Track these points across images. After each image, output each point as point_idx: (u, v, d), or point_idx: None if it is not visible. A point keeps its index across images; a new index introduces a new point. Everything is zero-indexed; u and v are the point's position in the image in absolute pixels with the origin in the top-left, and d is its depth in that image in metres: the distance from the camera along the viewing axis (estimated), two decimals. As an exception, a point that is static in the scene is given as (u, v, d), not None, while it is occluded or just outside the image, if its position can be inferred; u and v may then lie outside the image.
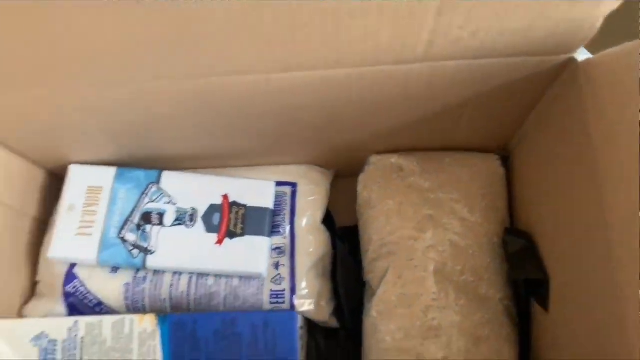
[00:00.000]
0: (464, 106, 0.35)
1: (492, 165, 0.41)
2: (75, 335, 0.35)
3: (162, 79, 0.31)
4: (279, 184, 0.44)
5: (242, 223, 0.40)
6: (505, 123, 0.38)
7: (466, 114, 0.36)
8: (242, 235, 0.40)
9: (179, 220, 0.40)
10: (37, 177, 0.43)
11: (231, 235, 0.40)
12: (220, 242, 0.40)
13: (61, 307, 0.40)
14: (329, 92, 0.32)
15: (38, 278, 0.42)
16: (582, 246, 0.31)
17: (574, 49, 0.29)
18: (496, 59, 0.30)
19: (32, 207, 0.42)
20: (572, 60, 0.30)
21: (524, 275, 0.36)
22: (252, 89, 0.32)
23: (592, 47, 0.30)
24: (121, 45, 0.27)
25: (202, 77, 0.31)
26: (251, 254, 0.40)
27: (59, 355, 0.35)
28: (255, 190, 0.42)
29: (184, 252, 0.39)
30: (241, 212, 0.41)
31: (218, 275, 0.40)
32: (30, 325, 0.36)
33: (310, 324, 0.42)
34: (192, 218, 0.40)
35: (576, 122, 0.31)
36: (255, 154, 0.43)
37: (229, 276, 0.40)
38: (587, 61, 0.30)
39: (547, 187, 0.36)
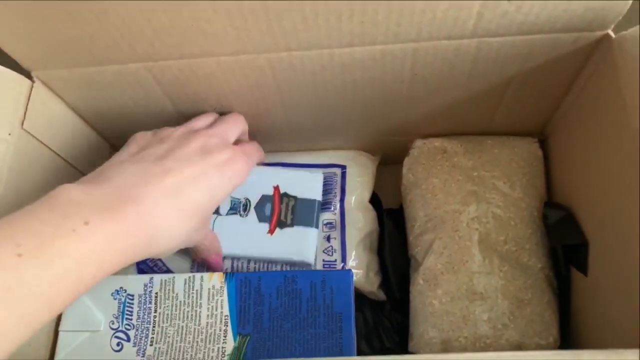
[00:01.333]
0: (505, 85, 0.39)
1: (531, 147, 0.44)
2: (150, 291, 0.39)
3: (239, 54, 0.35)
4: (329, 165, 0.47)
5: (292, 214, 0.43)
6: (544, 103, 0.41)
7: (508, 93, 0.40)
8: (291, 225, 0.43)
9: (233, 210, 0.43)
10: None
11: (281, 225, 0.43)
12: (271, 232, 0.42)
13: (133, 272, 0.43)
14: (385, 68, 0.36)
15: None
16: (619, 212, 0.34)
17: (608, 24, 0.33)
18: (537, 35, 0.34)
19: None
20: (607, 37, 0.34)
21: (564, 241, 0.39)
22: (316, 64, 0.36)
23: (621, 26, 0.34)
24: (204, 21, 0.32)
25: (274, 52, 0.35)
26: (300, 244, 0.42)
27: (135, 308, 0.39)
28: (305, 182, 0.44)
29: (239, 240, 0.42)
30: (291, 203, 0.43)
31: (272, 262, 0.43)
32: (111, 281, 0.39)
33: (357, 298, 0.45)
34: (246, 208, 0.43)
35: (612, 96, 0.34)
36: (308, 136, 0.47)
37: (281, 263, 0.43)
38: (621, 36, 0.33)
39: (585, 160, 0.39)
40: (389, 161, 0.50)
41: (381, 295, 0.45)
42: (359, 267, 0.44)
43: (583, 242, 0.37)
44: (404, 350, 0.43)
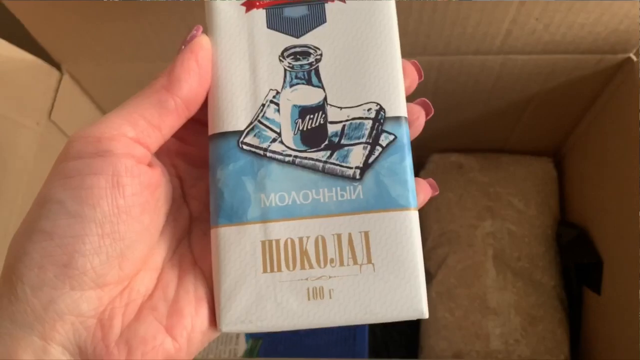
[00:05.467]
0: (526, 103, 0.39)
1: (546, 166, 0.45)
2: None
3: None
4: (345, 175, 0.48)
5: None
6: (562, 123, 0.42)
7: (527, 111, 0.40)
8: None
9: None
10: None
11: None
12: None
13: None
14: (410, 80, 0.37)
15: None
16: (632, 232, 0.34)
17: (631, 48, 0.34)
18: (561, 55, 0.34)
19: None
20: (629, 60, 0.35)
21: (578, 260, 0.39)
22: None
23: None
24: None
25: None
26: None
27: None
28: None
29: None
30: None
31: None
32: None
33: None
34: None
35: (631, 119, 0.35)
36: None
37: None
38: (643, 60, 0.34)
39: (600, 181, 0.39)
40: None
41: (391, 307, 0.45)
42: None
43: (597, 262, 0.38)
44: (412, 363, 0.43)
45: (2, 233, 0.32)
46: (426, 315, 0.18)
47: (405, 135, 0.20)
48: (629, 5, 0.30)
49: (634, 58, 0.34)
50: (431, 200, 0.45)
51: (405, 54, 0.35)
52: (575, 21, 0.31)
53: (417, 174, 0.47)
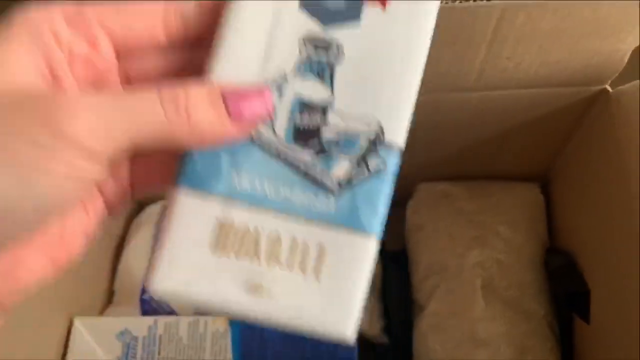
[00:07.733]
0: (507, 134, 0.40)
1: (533, 192, 0.45)
2: (155, 333, 0.39)
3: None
4: (334, 208, 0.48)
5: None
6: (545, 151, 0.42)
7: (509, 141, 0.41)
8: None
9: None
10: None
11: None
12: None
13: (137, 313, 0.43)
14: (390, 118, 0.37)
15: (115, 287, 0.46)
16: (619, 258, 0.34)
17: (605, 80, 0.34)
18: (536, 89, 0.35)
19: (115, 227, 0.48)
20: (604, 91, 0.35)
21: (566, 289, 0.39)
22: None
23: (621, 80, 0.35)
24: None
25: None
26: None
27: (139, 351, 0.39)
28: None
29: None
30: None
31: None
32: (115, 323, 0.40)
33: (359, 343, 0.45)
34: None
35: (610, 147, 0.35)
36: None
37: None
38: (618, 91, 0.34)
39: (585, 208, 0.39)
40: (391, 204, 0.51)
41: (384, 340, 0.45)
42: (362, 310, 0.44)
43: (584, 290, 0.38)
44: (406, 395, 0.43)
45: None
46: (351, 342, 0.18)
47: (395, 165, 0.18)
48: (599, 42, 0.31)
49: (609, 89, 0.35)
50: (421, 230, 0.45)
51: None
52: (548, 60, 0.32)
53: (404, 203, 0.48)
